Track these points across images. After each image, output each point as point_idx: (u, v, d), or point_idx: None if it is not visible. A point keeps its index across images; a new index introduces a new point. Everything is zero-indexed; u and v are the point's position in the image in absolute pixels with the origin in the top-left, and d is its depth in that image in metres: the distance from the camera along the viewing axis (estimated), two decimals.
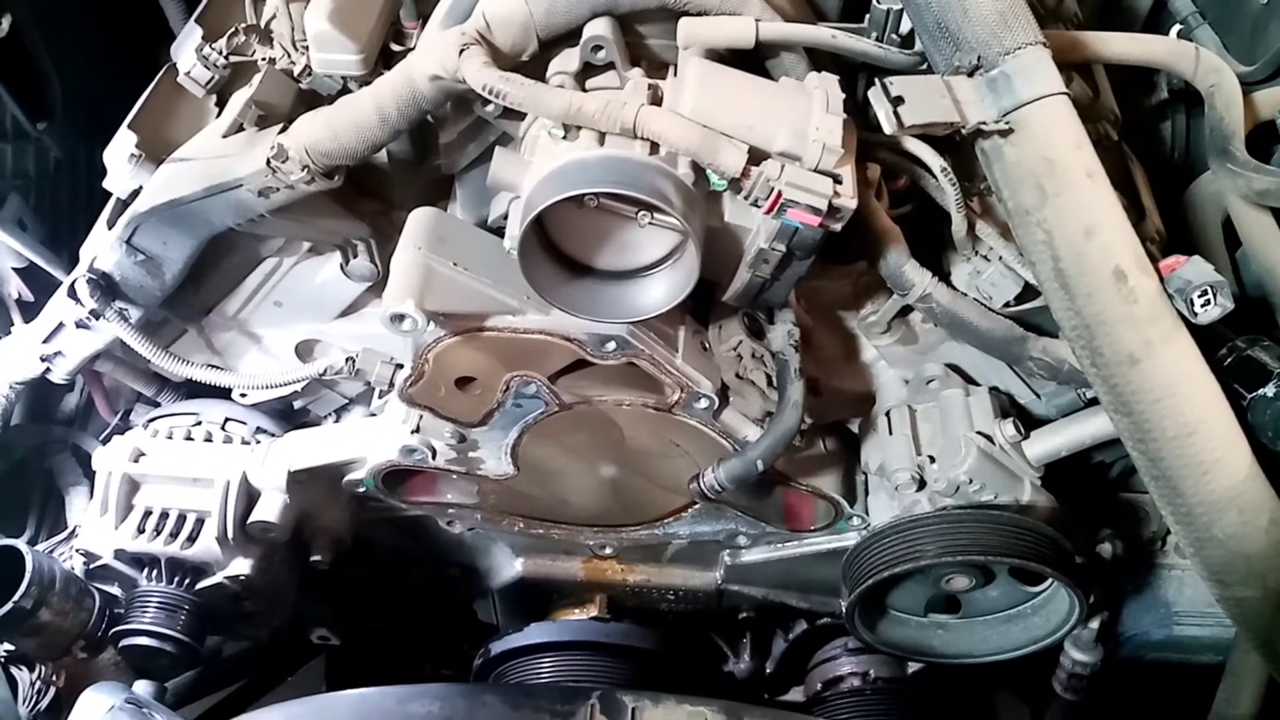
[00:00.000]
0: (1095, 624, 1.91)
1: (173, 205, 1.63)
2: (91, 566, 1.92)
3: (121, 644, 1.91)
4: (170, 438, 1.94)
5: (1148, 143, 2.10)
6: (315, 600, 2.17)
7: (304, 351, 1.96)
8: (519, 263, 1.44)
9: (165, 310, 1.84)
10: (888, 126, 1.40)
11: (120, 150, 1.76)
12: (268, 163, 1.54)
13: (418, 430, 1.79)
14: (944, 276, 1.66)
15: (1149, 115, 2.15)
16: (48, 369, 1.92)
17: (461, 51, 1.41)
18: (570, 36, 1.51)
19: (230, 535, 1.86)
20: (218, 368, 1.89)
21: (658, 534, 2.02)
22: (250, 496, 1.88)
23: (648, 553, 2.11)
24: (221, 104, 1.81)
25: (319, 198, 1.63)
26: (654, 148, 1.41)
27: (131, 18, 2.47)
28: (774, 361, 1.71)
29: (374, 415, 1.97)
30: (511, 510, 1.99)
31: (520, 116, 1.55)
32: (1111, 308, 1.37)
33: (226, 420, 1.98)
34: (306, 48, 1.69)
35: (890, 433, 1.83)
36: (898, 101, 1.40)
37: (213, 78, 1.78)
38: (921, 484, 1.76)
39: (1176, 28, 2.09)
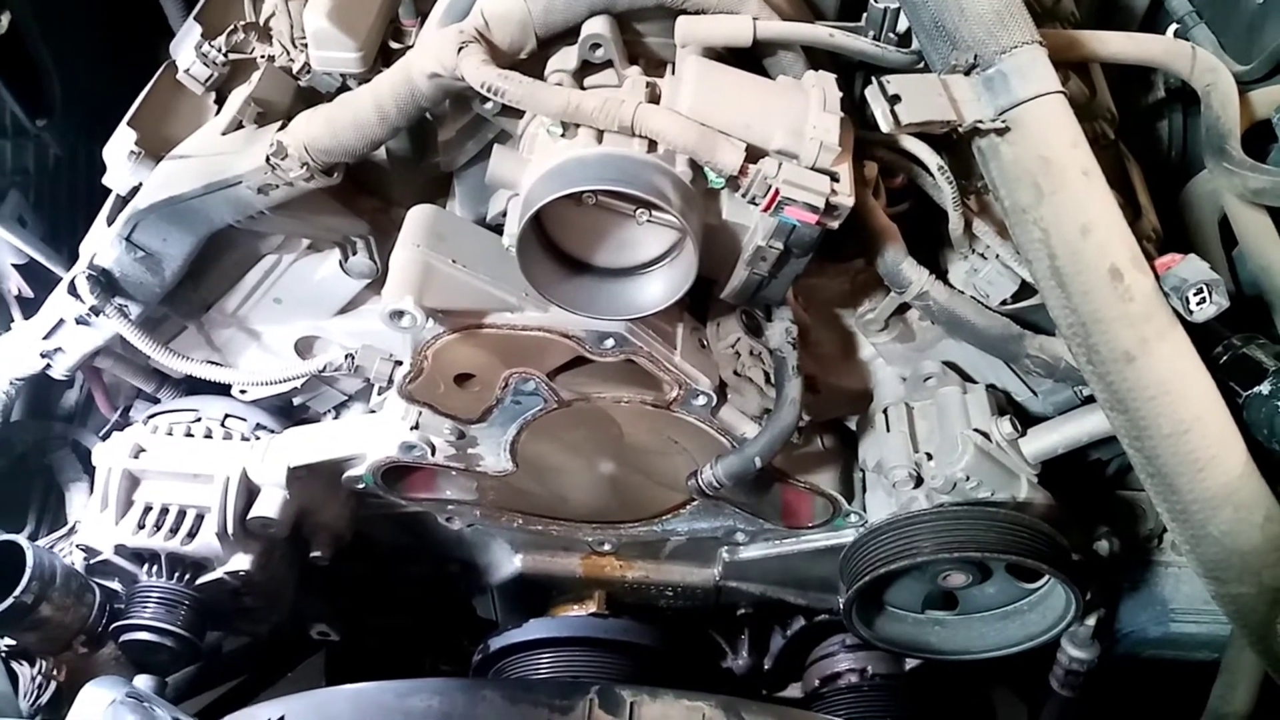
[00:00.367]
0: (1092, 621, 1.91)
1: (172, 202, 1.63)
2: (92, 562, 1.92)
3: (122, 639, 1.92)
4: (170, 434, 1.94)
5: (1144, 141, 2.10)
6: (315, 596, 2.18)
7: (303, 348, 1.96)
8: (517, 260, 1.44)
9: (165, 307, 1.84)
10: (885, 125, 1.41)
11: (120, 147, 1.77)
12: (267, 160, 1.54)
13: (417, 427, 1.80)
14: (941, 274, 1.67)
15: (1145, 114, 2.15)
16: (48, 365, 1.93)
17: (460, 49, 1.41)
18: (568, 34, 1.51)
19: (230, 531, 1.87)
20: (217, 364, 1.90)
21: (656, 530, 2.02)
22: (250, 492, 1.89)
23: (646, 549, 2.12)
24: (221, 101, 1.82)
25: (318, 195, 1.63)
26: (652, 145, 1.42)
27: (131, 15, 2.47)
28: (772, 359, 1.72)
29: (373, 412, 1.97)
30: (510, 506, 2.00)
31: (519, 114, 1.55)
32: (1107, 305, 1.37)
33: (226, 416, 1.99)
34: (305, 45, 1.69)
35: (888, 430, 1.84)
36: (895, 100, 1.40)
37: (212, 75, 1.78)
38: (919, 481, 1.77)
39: (1173, 27, 2.09)
